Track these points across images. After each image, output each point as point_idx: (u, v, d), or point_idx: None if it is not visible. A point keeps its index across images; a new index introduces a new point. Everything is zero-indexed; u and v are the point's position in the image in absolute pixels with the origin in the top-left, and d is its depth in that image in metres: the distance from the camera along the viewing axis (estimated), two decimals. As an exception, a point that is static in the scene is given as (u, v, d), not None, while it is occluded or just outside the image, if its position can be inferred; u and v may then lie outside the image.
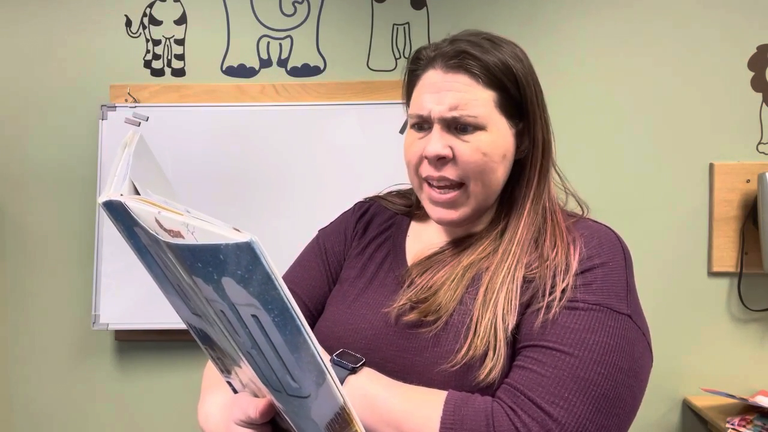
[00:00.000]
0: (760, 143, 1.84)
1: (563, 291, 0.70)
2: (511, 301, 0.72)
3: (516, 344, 0.71)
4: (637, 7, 1.84)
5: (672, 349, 1.84)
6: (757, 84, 1.82)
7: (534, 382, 0.66)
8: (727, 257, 1.84)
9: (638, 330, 0.71)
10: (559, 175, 0.84)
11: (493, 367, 0.69)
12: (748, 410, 1.70)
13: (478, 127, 0.76)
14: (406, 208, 0.93)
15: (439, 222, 0.82)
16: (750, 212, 1.81)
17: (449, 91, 0.76)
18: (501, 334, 0.70)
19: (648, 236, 1.86)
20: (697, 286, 1.86)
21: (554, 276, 0.72)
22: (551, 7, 1.86)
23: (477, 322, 0.72)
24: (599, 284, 0.71)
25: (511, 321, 0.71)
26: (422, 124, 0.79)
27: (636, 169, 1.86)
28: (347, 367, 0.72)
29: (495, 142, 0.77)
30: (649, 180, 1.86)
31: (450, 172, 0.77)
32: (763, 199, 1.72)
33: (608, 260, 0.73)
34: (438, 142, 0.76)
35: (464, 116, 0.75)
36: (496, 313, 0.71)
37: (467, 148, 0.76)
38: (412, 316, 0.76)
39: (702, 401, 1.79)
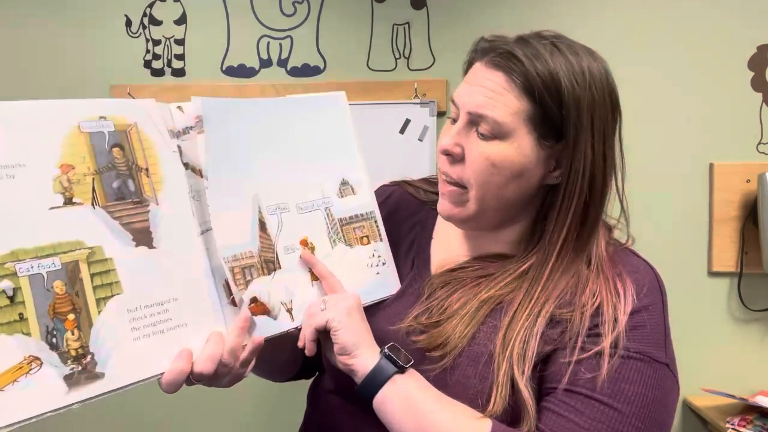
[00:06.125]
0: (760, 143, 1.84)
1: (603, 334, 0.67)
2: (527, 352, 0.67)
3: (542, 382, 0.69)
4: (636, 7, 1.84)
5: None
6: (757, 84, 1.82)
7: None
8: (727, 257, 1.84)
9: (673, 378, 0.69)
10: (624, 210, 0.79)
11: (496, 410, 0.67)
12: (748, 410, 1.70)
13: (497, 136, 0.70)
14: (434, 195, 0.87)
15: (441, 214, 0.79)
16: (750, 212, 1.81)
17: (482, 87, 0.71)
18: (524, 390, 0.66)
19: (648, 236, 1.85)
20: (697, 286, 1.86)
21: (594, 321, 0.68)
22: (551, 8, 1.86)
23: (497, 372, 0.68)
24: (641, 331, 0.68)
25: (527, 369, 0.67)
26: (455, 117, 0.75)
27: (636, 169, 1.86)
28: (397, 364, 0.69)
29: (510, 156, 0.70)
30: (648, 180, 1.86)
31: (454, 172, 0.74)
32: (763, 199, 1.72)
33: (649, 304, 0.70)
34: (452, 138, 0.73)
35: (487, 116, 0.69)
36: (513, 363, 0.67)
37: (477, 152, 0.71)
38: (420, 341, 0.73)
39: (702, 401, 1.79)
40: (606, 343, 0.66)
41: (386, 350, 0.70)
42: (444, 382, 0.71)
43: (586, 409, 0.65)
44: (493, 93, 0.70)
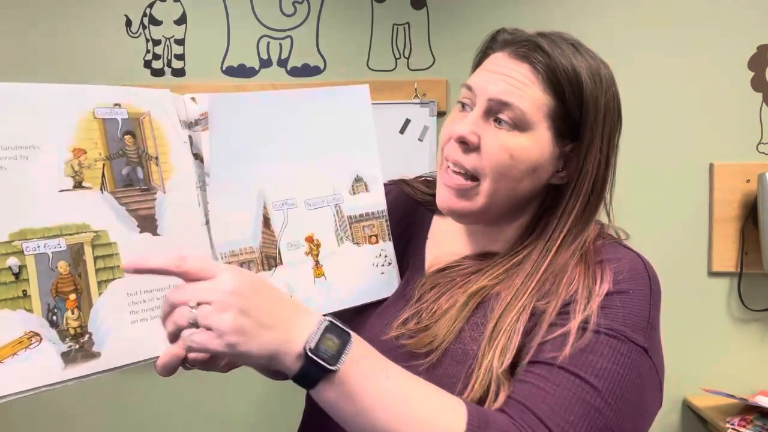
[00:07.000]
0: (760, 143, 1.84)
1: (573, 312, 0.65)
2: (510, 345, 0.66)
3: (513, 368, 0.67)
4: (637, 7, 1.84)
5: (672, 349, 1.82)
6: (757, 84, 1.82)
7: (540, 400, 0.61)
8: (727, 257, 1.84)
9: (652, 366, 0.65)
10: (609, 216, 0.77)
11: (473, 396, 0.65)
12: (748, 410, 1.70)
13: (518, 126, 0.69)
14: (430, 197, 0.86)
15: (441, 208, 0.76)
16: (750, 212, 1.81)
17: (506, 76, 0.70)
18: (501, 377, 0.64)
19: (648, 236, 1.86)
20: (697, 286, 1.86)
21: (568, 299, 0.67)
22: (552, 9, 1.86)
23: (480, 361, 0.66)
24: (616, 310, 0.66)
25: (507, 361, 0.65)
26: (467, 103, 0.73)
27: (636, 169, 1.86)
28: (324, 368, 0.56)
29: (529, 150, 0.70)
30: (649, 180, 1.86)
31: (468, 162, 0.71)
32: (763, 199, 1.72)
33: (630, 288, 0.68)
34: (468, 125, 0.70)
35: (513, 104, 0.68)
36: (495, 355, 0.66)
37: (495, 142, 0.69)
38: (410, 345, 0.71)
39: (702, 401, 1.79)
40: (575, 322, 0.64)
41: (309, 350, 0.56)
42: (431, 375, 0.68)
43: (550, 375, 0.62)
44: (519, 83, 0.69)
